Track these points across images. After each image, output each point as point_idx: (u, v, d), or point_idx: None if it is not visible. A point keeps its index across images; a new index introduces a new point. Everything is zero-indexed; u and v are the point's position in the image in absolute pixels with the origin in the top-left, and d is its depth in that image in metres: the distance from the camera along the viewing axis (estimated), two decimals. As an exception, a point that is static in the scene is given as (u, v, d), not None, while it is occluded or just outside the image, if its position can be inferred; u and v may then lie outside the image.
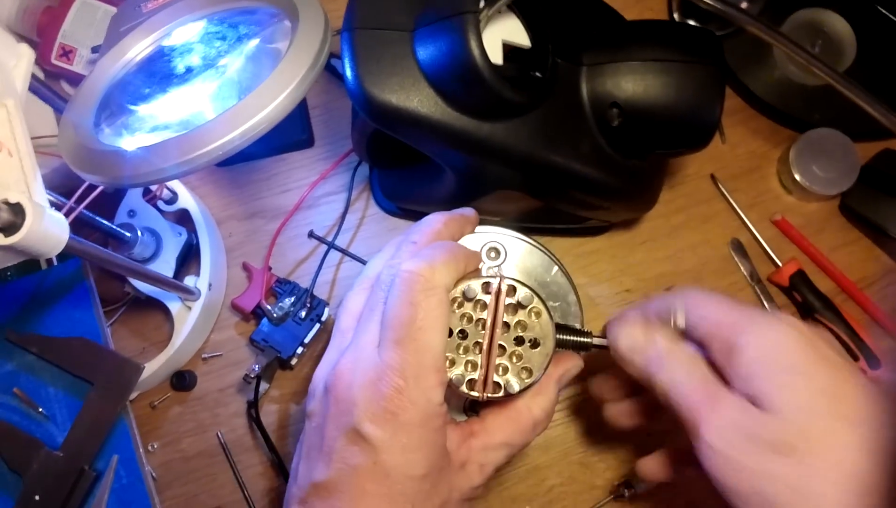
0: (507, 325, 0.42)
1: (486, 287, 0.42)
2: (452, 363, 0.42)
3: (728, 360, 0.39)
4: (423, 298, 0.39)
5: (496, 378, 0.41)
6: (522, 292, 0.42)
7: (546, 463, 0.58)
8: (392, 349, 0.38)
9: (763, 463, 0.35)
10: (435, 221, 0.45)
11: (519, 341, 0.42)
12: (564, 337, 0.44)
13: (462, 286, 0.41)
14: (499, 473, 0.57)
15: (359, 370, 0.39)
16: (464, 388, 0.41)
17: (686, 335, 0.42)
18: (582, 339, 0.44)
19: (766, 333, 0.38)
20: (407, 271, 0.40)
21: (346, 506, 0.37)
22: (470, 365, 0.42)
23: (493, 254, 0.47)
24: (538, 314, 0.42)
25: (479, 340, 0.42)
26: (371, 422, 0.37)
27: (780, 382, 0.37)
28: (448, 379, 0.40)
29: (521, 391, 0.41)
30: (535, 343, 0.42)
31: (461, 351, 0.42)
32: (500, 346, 0.42)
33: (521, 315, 0.42)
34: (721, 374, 0.40)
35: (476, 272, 0.44)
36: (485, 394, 0.42)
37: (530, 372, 0.41)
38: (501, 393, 0.41)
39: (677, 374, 0.40)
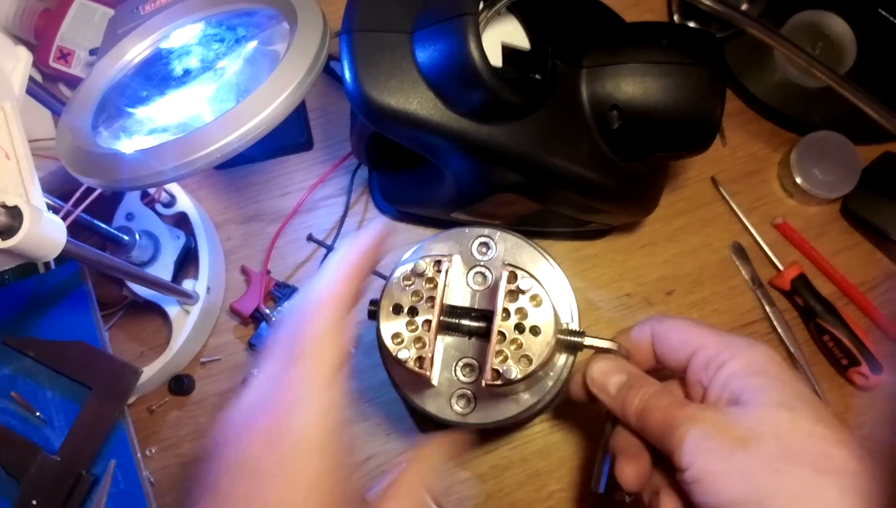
0: (507, 312, 0.42)
1: (436, 265, 0.42)
2: (402, 340, 0.42)
3: (707, 373, 0.40)
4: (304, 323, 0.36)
5: (496, 366, 0.41)
6: (523, 279, 0.41)
7: (546, 469, 0.58)
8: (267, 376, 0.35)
9: (739, 458, 0.35)
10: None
11: (519, 328, 0.41)
12: (561, 337, 0.44)
13: (410, 265, 0.42)
14: (498, 478, 0.58)
15: (241, 409, 0.35)
16: (413, 366, 0.41)
17: (659, 359, 0.43)
18: (574, 339, 0.44)
19: (748, 352, 0.39)
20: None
21: None
22: (419, 343, 0.42)
23: (483, 249, 0.47)
24: (539, 302, 0.42)
25: (429, 317, 0.42)
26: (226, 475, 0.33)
27: (757, 383, 0.38)
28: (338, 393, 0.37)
29: (522, 380, 0.41)
30: (535, 331, 0.41)
31: (410, 328, 0.42)
32: (500, 333, 0.41)
33: (522, 302, 0.41)
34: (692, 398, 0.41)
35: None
36: (484, 382, 0.41)
37: (530, 360, 0.41)
38: (500, 381, 0.41)
39: (651, 395, 0.40)
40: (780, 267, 0.61)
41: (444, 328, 0.45)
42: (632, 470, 0.41)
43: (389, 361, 0.46)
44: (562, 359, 0.47)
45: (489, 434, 0.58)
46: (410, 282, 0.42)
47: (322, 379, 0.34)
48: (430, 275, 0.42)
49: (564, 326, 0.45)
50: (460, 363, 0.45)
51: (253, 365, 0.38)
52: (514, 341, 0.41)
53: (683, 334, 0.42)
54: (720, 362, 0.39)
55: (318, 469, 0.33)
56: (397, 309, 0.42)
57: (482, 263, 0.47)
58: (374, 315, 0.43)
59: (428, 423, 0.57)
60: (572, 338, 0.44)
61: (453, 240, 0.47)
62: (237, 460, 0.33)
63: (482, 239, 0.47)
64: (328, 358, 0.35)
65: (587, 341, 0.44)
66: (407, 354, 0.41)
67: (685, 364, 0.41)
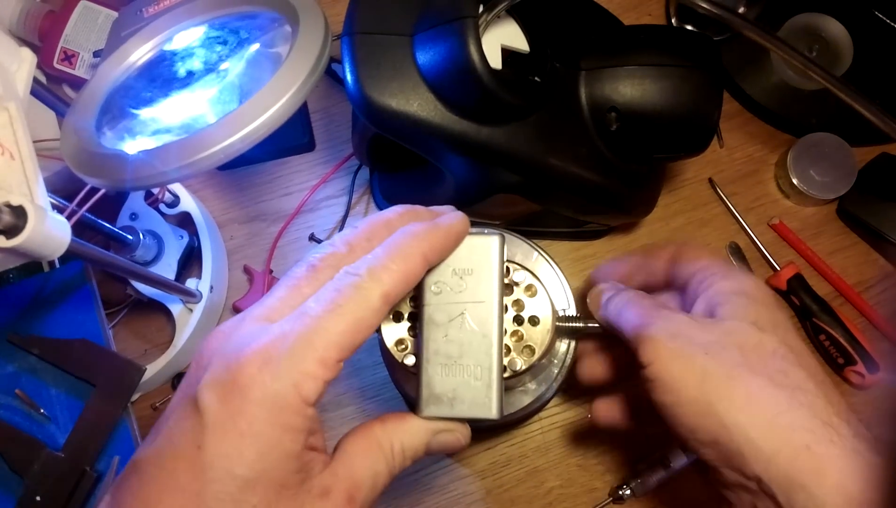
0: (504, 306, 0.42)
1: None
2: (406, 346, 0.42)
3: (701, 289, 0.42)
4: (354, 292, 0.32)
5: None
6: (516, 272, 0.42)
7: (545, 466, 0.59)
8: (285, 319, 0.32)
9: (699, 362, 0.36)
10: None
11: (518, 320, 0.42)
12: (559, 324, 0.44)
13: None
14: (497, 475, 0.58)
15: (237, 331, 0.32)
16: None
17: (673, 275, 0.45)
18: (573, 324, 0.45)
19: (741, 278, 0.41)
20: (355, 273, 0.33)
21: (146, 500, 0.30)
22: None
23: None
24: (534, 292, 0.42)
25: None
26: (212, 390, 0.30)
27: (738, 302, 0.39)
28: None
29: (527, 370, 0.41)
30: (534, 321, 0.42)
31: (412, 333, 0.42)
32: None
33: (517, 294, 0.42)
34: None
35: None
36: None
37: (533, 350, 0.41)
38: (507, 374, 0.41)
39: (629, 301, 0.42)
40: (777, 267, 0.62)
41: None
42: (585, 365, 0.47)
43: (397, 369, 0.47)
44: (563, 345, 0.47)
45: (489, 431, 0.59)
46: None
47: (304, 346, 0.31)
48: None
49: (561, 313, 0.45)
50: None
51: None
52: (514, 333, 0.42)
53: (698, 252, 0.44)
54: (714, 280, 0.41)
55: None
56: (397, 317, 0.42)
57: None
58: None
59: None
60: (571, 324, 0.44)
61: None
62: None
63: None
64: (334, 353, 0.31)
65: (590, 325, 0.45)
66: (413, 359, 0.42)
67: (689, 279, 0.43)
